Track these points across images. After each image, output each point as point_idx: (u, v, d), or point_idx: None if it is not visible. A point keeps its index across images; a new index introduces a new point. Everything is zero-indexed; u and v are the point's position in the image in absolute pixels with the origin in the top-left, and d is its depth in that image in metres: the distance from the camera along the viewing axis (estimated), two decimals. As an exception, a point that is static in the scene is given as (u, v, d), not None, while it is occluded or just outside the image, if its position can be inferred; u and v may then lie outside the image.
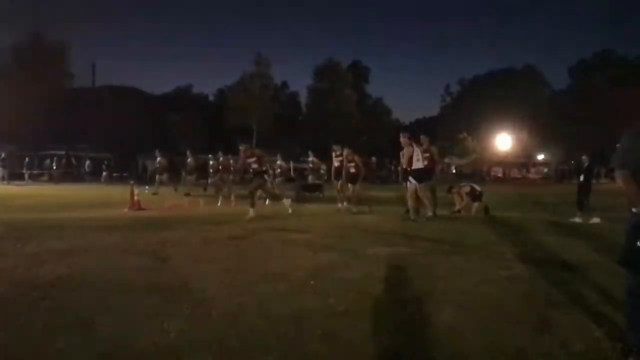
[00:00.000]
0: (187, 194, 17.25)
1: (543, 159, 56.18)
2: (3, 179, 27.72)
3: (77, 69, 47.78)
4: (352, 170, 12.40)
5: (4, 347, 3.20)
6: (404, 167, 10.79)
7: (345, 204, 12.69)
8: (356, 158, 12.58)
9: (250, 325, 3.65)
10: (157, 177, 19.30)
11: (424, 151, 10.94)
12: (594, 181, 12.33)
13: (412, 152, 10.57)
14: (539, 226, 9.67)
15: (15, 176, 29.90)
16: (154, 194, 17.66)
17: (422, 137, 11.26)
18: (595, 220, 10.43)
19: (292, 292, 4.55)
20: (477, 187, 12.00)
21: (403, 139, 10.75)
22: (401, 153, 11.00)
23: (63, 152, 37.97)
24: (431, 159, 10.99)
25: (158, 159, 19.77)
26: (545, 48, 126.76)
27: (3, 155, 29.57)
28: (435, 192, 11.07)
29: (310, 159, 17.96)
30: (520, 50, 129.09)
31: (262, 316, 3.84)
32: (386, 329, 3.63)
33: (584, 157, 11.66)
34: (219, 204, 14.48)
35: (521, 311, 4.04)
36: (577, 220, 10.54)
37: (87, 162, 37.46)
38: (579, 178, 11.44)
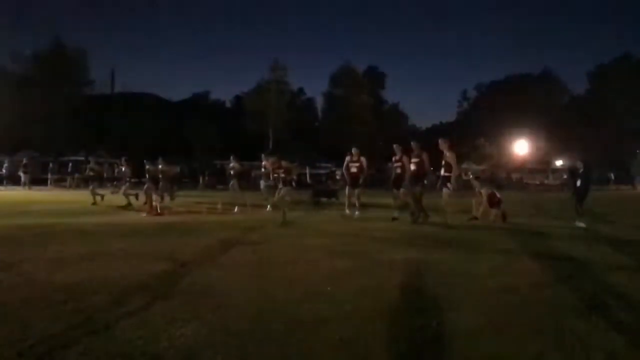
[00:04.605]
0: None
1: (561, 164, 55.54)
2: (25, 184, 28.20)
3: (96, 76, 48.43)
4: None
5: (26, 352, 3.26)
6: (443, 173, 10.89)
7: (347, 210, 12.90)
8: (284, 168, 12.52)
9: (268, 331, 3.67)
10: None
11: (415, 156, 11.29)
12: (613, 187, 12.24)
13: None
14: (557, 233, 9.56)
15: (36, 182, 30.38)
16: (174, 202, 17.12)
17: (412, 143, 11.51)
18: (581, 224, 10.55)
19: (309, 297, 4.56)
20: (497, 194, 11.92)
21: (444, 144, 10.79)
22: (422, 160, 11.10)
23: (82, 158, 38.52)
24: (422, 165, 11.18)
25: (122, 167, 17.85)
26: (563, 53, 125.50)
27: (25, 161, 30.13)
28: (422, 198, 11.25)
29: (231, 164, 16.30)
30: (538, 56, 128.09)
31: (279, 321, 3.86)
32: (404, 336, 3.62)
33: (578, 163, 11.79)
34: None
35: (541, 319, 4.00)
36: (580, 224, 10.51)
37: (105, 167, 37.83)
38: (574, 183, 11.46)
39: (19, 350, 3.25)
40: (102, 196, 16.76)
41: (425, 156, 11.24)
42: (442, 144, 10.85)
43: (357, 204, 12.75)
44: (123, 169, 17.48)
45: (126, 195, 15.64)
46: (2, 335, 3.51)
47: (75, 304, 4.28)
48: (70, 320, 3.85)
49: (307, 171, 39.46)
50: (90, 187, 17.07)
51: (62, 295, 4.54)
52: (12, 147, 36.90)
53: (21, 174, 29.01)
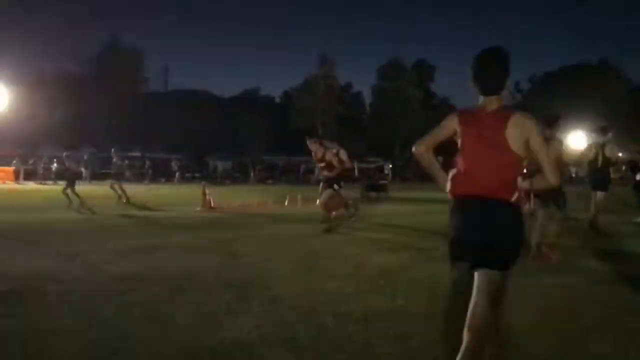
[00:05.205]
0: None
1: (621, 157, 53.06)
2: (86, 179, 29.44)
3: (150, 73, 49.76)
4: None
5: (92, 341, 3.39)
6: None
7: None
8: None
9: (320, 324, 3.69)
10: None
11: None
12: None
13: None
14: (617, 229, 9.20)
15: (97, 177, 31.61)
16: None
17: None
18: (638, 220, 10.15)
19: (361, 291, 4.56)
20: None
21: None
22: None
23: (139, 154, 39.79)
24: None
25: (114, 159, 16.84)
26: (622, 42, 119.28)
27: (86, 157, 31.44)
28: None
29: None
30: (597, 45, 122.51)
31: (332, 314, 3.88)
32: (457, 331, 3.56)
33: (637, 156, 11.66)
34: None
35: (600, 318, 3.86)
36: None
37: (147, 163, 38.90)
38: (634, 177, 11.03)
39: (83, 343, 3.40)
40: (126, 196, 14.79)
41: None
42: None
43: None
44: (114, 160, 16.63)
45: (114, 188, 14.79)
46: (68, 326, 3.63)
47: (135, 295, 4.44)
48: (129, 311, 4.00)
49: (356, 165, 39.34)
50: (111, 183, 15.45)
51: (123, 286, 4.73)
52: (73, 143, 38.55)
53: (82, 169, 30.30)
